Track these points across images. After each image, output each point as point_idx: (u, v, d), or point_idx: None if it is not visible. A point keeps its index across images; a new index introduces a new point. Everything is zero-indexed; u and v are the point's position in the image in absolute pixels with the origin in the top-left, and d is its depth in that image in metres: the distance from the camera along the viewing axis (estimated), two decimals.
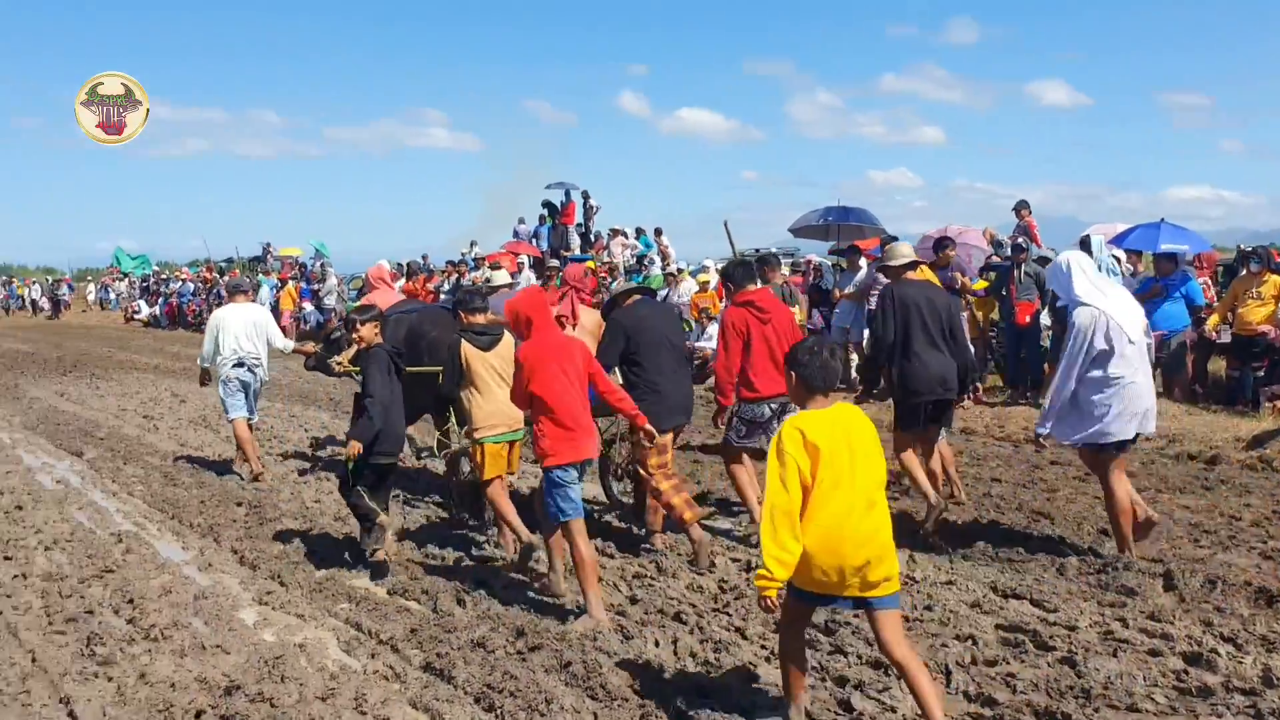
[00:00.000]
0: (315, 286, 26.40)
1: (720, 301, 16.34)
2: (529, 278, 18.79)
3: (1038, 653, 5.00)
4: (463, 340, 6.60)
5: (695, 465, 9.78)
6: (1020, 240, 13.85)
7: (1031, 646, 5.07)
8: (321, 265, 28.77)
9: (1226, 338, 12.04)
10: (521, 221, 25.47)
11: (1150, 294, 11.89)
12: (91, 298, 49.49)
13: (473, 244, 26.81)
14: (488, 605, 5.92)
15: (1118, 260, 11.74)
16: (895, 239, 14.04)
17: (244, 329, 9.80)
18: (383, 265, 13.19)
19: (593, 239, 24.27)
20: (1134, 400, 6.27)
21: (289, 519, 8.01)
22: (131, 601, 6.11)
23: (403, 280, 19.68)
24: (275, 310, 25.45)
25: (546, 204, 24.52)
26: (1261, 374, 11.38)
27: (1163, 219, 14.75)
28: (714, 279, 17.01)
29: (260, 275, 31.59)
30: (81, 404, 15.30)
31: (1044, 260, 13.52)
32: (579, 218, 24.55)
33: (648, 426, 6.07)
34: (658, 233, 22.81)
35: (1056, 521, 7.44)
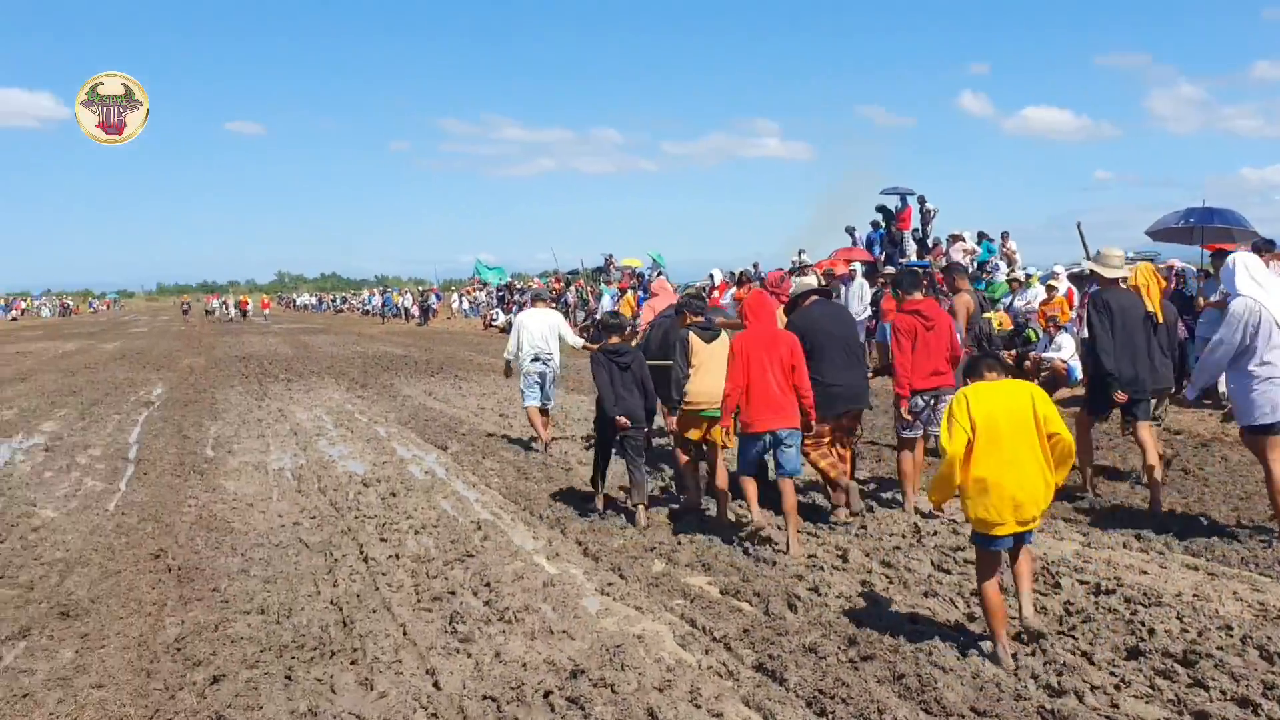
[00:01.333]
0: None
1: (1070, 309, 15.47)
2: (861, 284, 18.60)
3: None
4: (690, 332, 8.09)
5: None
6: None
7: None
8: (658, 275, 29.80)
9: None
10: (850, 230, 25.18)
11: None
12: (455, 305, 53.89)
13: (800, 251, 26.84)
14: (819, 612, 5.92)
15: None
16: (1272, 242, 12.78)
17: (540, 330, 11.81)
18: (664, 279, 13.91)
19: (930, 244, 23.64)
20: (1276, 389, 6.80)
21: (629, 516, 8.36)
22: (489, 585, 6.61)
23: (734, 289, 19.99)
24: None
25: (881, 209, 24.14)
26: None
27: None
28: (1064, 285, 16.12)
29: (603, 285, 33.15)
30: (446, 402, 16.70)
31: None
32: (915, 223, 23.99)
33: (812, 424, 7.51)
34: (1004, 237, 21.85)
35: None
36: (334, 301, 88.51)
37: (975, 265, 20.72)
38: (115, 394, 19.05)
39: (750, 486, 7.41)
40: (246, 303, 73.40)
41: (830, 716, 4.56)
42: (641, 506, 8.11)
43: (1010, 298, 17.16)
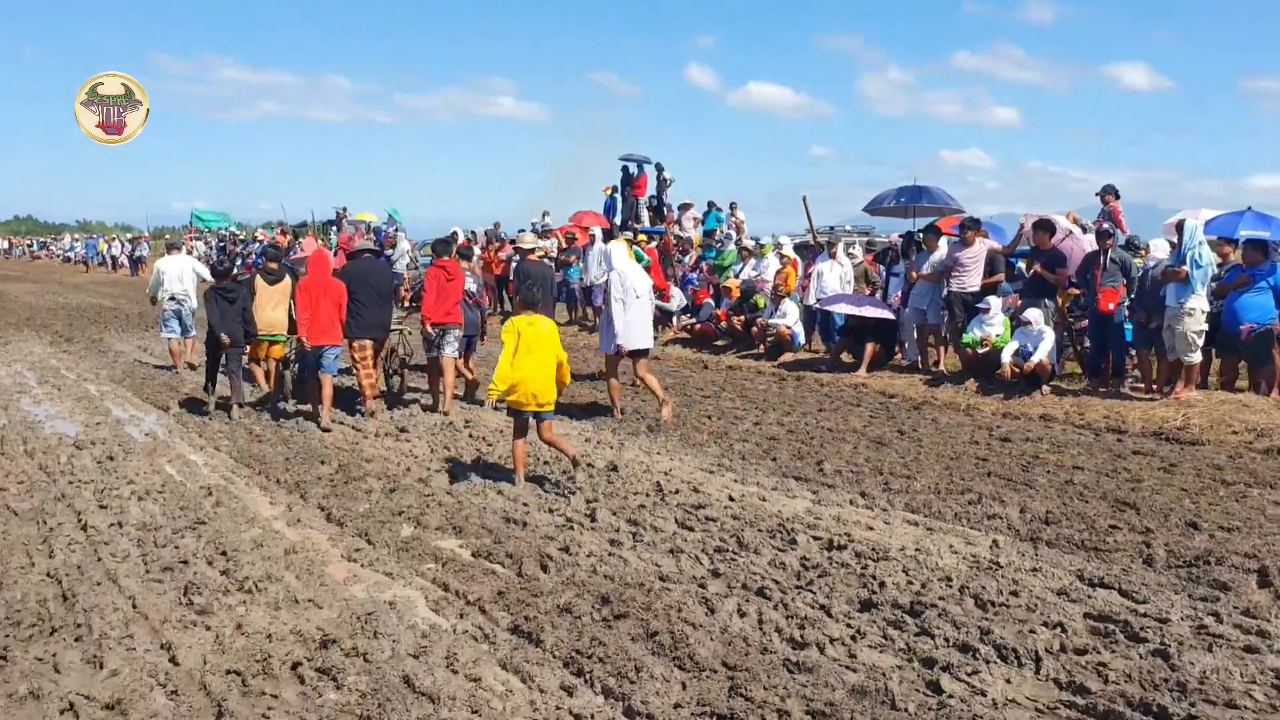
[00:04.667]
0: (388, 251, 26.66)
1: (795, 279, 16.21)
2: (601, 248, 18.79)
3: (1129, 643, 4.93)
4: (257, 275, 11.87)
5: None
6: (1105, 226, 13.53)
7: (1122, 637, 5.00)
8: (395, 230, 29.08)
9: None
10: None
11: (1236, 284, 11.57)
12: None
13: (545, 214, 26.89)
14: (571, 572, 5.97)
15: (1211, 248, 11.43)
16: (977, 220, 13.87)
17: (175, 273, 14.49)
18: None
19: (665, 212, 24.17)
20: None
21: (373, 478, 8.15)
22: (225, 554, 6.28)
23: (478, 250, 19.82)
24: None
25: (624, 170, 24.39)
26: None
27: (1249, 207, 14.35)
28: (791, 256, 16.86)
29: (333, 237, 31.99)
30: (164, 359, 15.64)
31: (1131, 246, 13.25)
32: (651, 190, 24.43)
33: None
34: (733, 207, 22.62)
35: (1142, 512, 7.30)
36: (30, 247, 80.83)
37: (704, 234, 21.35)
38: None
39: (323, 384, 10.36)
40: None
41: (588, 676, 4.62)
42: (236, 405, 10.81)
43: (740, 266, 17.79)
